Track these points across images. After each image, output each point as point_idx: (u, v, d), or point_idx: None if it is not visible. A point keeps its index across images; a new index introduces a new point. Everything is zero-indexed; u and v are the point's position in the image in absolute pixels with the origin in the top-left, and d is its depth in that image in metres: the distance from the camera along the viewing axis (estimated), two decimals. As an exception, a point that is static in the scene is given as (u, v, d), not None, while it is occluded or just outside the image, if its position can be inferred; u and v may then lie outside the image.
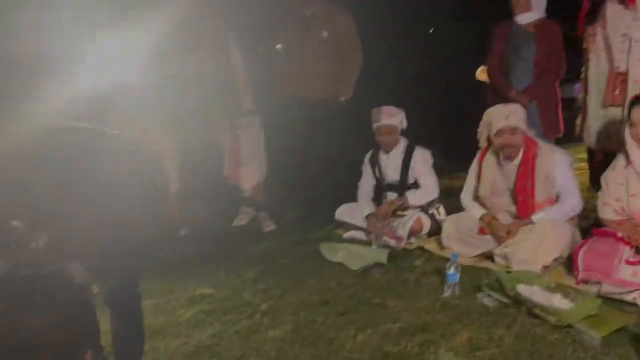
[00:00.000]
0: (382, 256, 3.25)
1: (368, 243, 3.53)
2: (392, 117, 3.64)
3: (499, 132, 3.06)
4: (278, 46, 4.18)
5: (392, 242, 3.46)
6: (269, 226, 4.06)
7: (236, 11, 4.13)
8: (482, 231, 3.16)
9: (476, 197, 3.27)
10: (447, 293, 2.73)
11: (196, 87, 3.83)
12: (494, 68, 3.76)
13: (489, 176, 3.21)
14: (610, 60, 3.20)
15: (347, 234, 3.73)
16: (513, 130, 3.03)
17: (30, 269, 0.88)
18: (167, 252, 3.59)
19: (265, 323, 2.57)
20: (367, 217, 3.63)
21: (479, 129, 3.26)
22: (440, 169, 3.90)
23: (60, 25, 3.38)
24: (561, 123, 3.69)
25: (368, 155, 3.87)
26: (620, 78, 3.19)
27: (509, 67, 3.68)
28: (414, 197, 3.61)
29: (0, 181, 1.42)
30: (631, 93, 2.98)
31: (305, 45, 3.97)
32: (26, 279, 0.87)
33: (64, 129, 1.68)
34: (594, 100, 3.30)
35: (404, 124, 3.72)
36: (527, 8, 3.56)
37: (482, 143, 3.27)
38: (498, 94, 3.64)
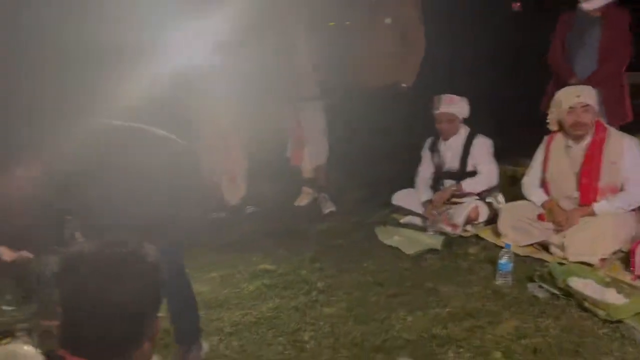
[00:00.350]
0: (437, 242, 3.33)
1: (424, 229, 3.61)
2: (452, 106, 3.66)
3: (571, 110, 3.03)
4: (347, 23, 4.25)
5: (448, 229, 3.52)
6: (329, 207, 4.21)
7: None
8: (541, 218, 3.15)
9: (539, 184, 3.26)
10: (498, 281, 2.79)
11: (262, 71, 4.01)
12: (557, 55, 3.71)
13: (556, 160, 3.18)
14: None
15: (404, 219, 3.81)
16: (585, 107, 2.99)
17: (114, 247, 1.05)
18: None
19: (321, 300, 2.74)
20: (424, 203, 3.71)
21: (549, 111, 3.23)
22: (503, 157, 3.88)
23: (143, 17, 3.66)
24: (628, 109, 3.59)
25: (428, 142, 3.91)
26: None
27: (572, 54, 3.62)
28: (469, 184, 3.63)
29: (82, 172, 1.66)
30: None
31: (370, 30, 4.03)
32: (111, 255, 1.03)
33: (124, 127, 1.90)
34: None
35: (465, 113, 3.73)
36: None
37: (552, 126, 3.23)
38: (559, 81, 3.58)
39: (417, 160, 3.98)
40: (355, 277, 3.01)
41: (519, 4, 5.33)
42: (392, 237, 3.50)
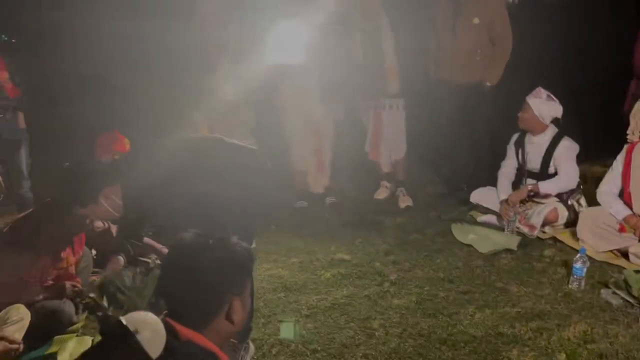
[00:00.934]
0: (513, 243, 3.36)
1: (501, 228, 3.64)
2: (535, 100, 3.62)
3: None
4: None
5: (525, 230, 3.53)
6: (406, 202, 4.33)
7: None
8: (622, 229, 3.10)
9: (618, 194, 3.19)
10: (572, 285, 2.80)
11: (349, 67, 4.19)
12: None
13: (636, 170, 3.10)
14: None
15: (481, 217, 3.85)
16: None
17: (205, 236, 1.35)
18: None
19: (392, 291, 2.90)
20: (502, 201, 3.72)
21: (631, 119, 3.15)
22: (588, 158, 3.79)
23: (243, 16, 3.98)
24: None
25: (515, 137, 3.88)
26: None
27: None
28: (546, 186, 3.59)
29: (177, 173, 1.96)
30: None
31: (457, 29, 4.07)
32: (201, 242, 1.34)
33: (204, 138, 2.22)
34: None
35: (551, 113, 3.66)
36: None
37: (633, 137, 3.16)
38: None
39: (498, 159, 3.98)
40: (427, 271, 3.13)
41: None
42: (467, 235, 3.56)
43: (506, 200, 3.69)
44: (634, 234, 3.03)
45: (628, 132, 3.17)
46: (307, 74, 4.20)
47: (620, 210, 3.13)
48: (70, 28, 4.89)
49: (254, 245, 3.16)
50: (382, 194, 4.55)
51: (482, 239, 3.47)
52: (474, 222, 3.79)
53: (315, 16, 4.12)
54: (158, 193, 1.99)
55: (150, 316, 1.22)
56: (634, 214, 3.09)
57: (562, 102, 3.62)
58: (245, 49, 4.04)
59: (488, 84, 4.08)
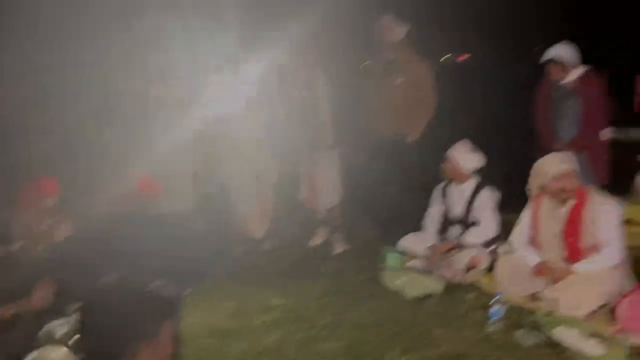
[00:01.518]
0: (438, 287, 3.54)
1: (428, 273, 3.82)
2: (458, 152, 3.91)
3: (556, 178, 3.20)
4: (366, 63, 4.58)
5: (450, 275, 3.73)
6: (341, 247, 4.47)
7: (328, 50, 4.60)
8: (535, 274, 3.34)
9: (529, 242, 3.45)
10: (490, 327, 2.98)
11: (286, 118, 4.38)
12: (540, 120, 3.97)
13: (544, 221, 3.37)
14: None
15: (410, 262, 4.02)
16: (569, 174, 3.18)
17: (121, 280, 1.40)
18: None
19: (323, 336, 2.97)
20: (429, 247, 3.93)
21: (530, 179, 3.42)
22: (512, 206, 4.06)
23: (183, 72, 4.09)
24: (608, 171, 3.81)
25: (441, 185, 4.15)
26: None
27: (553, 122, 3.88)
28: (471, 236, 3.85)
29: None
30: None
31: (385, 87, 4.37)
32: (130, 289, 1.38)
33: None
34: None
35: (473, 164, 3.95)
36: (562, 77, 3.77)
37: (533, 192, 3.42)
38: (543, 146, 3.82)
39: (426, 205, 4.21)
40: (358, 316, 3.24)
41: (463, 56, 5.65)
42: (397, 280, 3.71)
43: (434, 245, 3.90)
44: (545, 278, 3.27)
45: (529, 187, 3.44)
46: (247, 124, 4.36)
47: (532, 258, 3.37)
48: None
49: (188, 290, 3.19)
50: (317, 240, 4.68)
51: (410, 283, 3.63)
52: (403, 267, 3.96)
53: (256, 67, 4.33)
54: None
55: (59, 353, 1.24)
56: (544, 260, 3.34)
57: (486, 153, 3.93)
58: (186, 97, 4.16)
59: (410, 139, 4.38)
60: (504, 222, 3.94)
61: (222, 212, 4.47)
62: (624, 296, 2.84)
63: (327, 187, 4.50)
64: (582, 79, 3.77)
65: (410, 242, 4.10)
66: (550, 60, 3.74)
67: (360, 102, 4.52)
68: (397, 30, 4.27)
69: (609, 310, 2.99)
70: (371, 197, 4.79)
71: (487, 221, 3.85)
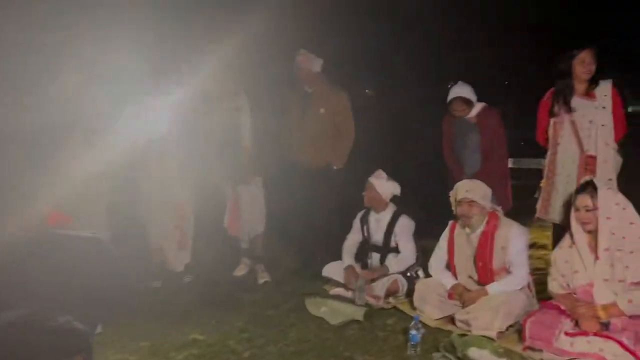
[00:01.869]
0: (360, 314, 3.59)
1: (351, 300, 3.87)
2: (377, 180, 4.05)
3: (459, 203, 3.45)
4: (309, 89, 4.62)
5: (371, 301, 3.80)
6: (264, 278, 4.43)
7: (250, 78, 4.63)
8: (450, 296, 3.49)
9: (445, 266, 3.61)
10: (409, 351, 3.05)
11: (208, 145, 4.34)
12: (447, 154, 4.25)
13: (458, 244, 3.55)
14: (580, 144, 3.59)
15: (333, 291, 4.07)
16: (470, 202, 3.40)
17: (33, 318, 1.34)
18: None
19: (245, 369, 2.92)
20: (345, 269, 4.00)
21: (451, 200, 3.63)
22: (429, 232, 4.23)
23: (97, 96, 3.94)
24: (509, 198, 4.12)
25: (360, 214, 4.26)
26: (589, 161, 3.58)
27: (458, 154, 4.17)
28: (393, 265, 3.97)
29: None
30: (600, 172, 3.43)
31: (306, 117, 4.46)
32: (33, 323, 1.32)
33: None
34: (564, 181, 3.65)
35: (391, 191, 4.10)
36: (466, 113, 4.06)
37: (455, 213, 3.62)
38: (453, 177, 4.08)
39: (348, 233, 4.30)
40: (280, 347, 3.21)
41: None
42: (319, 308, 3.73)
43: (351, 267, 3.99)
44: (459, 301, 3.42)
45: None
46: (166, 150, 4.28)
47: (448, 280, 3.53)
48: None
49: (99, 329, 3.02)
50: (241, 270, 4.62)
51: (332, 311, 3.66)
52: (326, 296, 3.99)
53: (177, 94, 4.27)
54: None
55: None
56: (459, 283, 3.49)
57: (402, 181, 4.10)
58: (101, 123, 4.01)
59: (334, 167, 4.48)
60: (424, 248, 4.10)
61: (138, 245, 4.31)
62: (529, 315, 3.01)
63: (251, 216, 4.48)
64: (482, 113, 4.05)
65: (334, 269, 4.15)
66: (456, 98, 3.99)
67: (284, 131, 4.57)
68: (313, 63, 4.39)
69: (518, 330, 3.17)
70: (296, 226, 4.82)
71: (406, 249, 3.99)
